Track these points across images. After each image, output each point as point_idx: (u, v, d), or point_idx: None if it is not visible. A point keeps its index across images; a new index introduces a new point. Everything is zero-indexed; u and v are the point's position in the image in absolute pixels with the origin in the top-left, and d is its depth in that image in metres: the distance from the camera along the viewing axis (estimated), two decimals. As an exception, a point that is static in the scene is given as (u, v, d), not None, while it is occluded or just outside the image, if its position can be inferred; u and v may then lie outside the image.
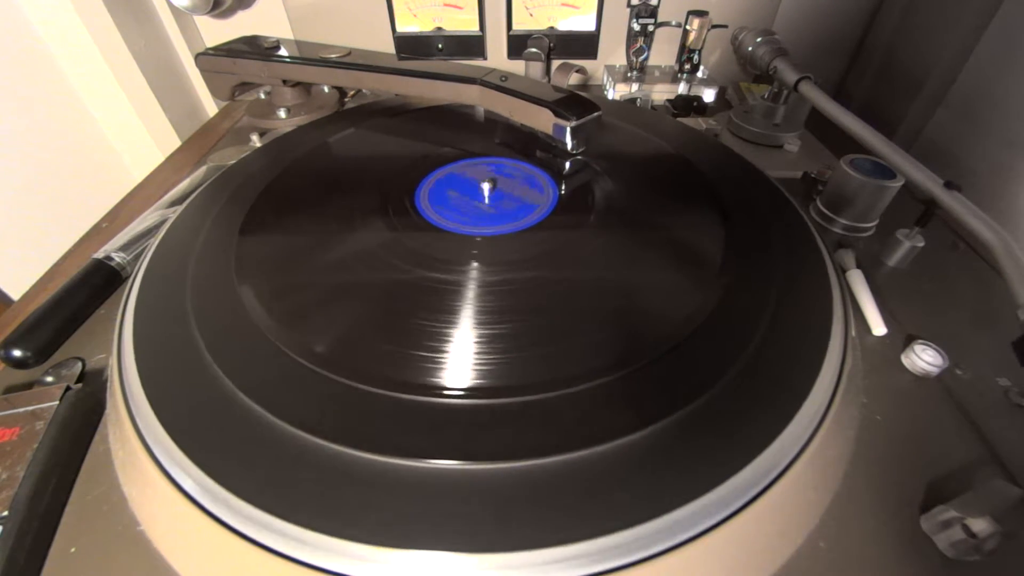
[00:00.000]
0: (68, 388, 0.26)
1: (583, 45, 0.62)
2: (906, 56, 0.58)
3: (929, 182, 0.34)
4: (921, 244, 0.35)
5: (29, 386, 0.28)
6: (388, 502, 0.20)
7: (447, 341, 0.26)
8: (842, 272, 0.33)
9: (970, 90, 0.50)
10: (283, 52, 0.53)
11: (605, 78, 0.63)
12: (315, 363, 0.25)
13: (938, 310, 0.33)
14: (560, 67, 0.59)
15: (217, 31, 0.63)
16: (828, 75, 0.68)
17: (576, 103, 0.40)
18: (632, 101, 0.56)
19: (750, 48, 0.51)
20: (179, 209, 0.37)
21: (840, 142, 0.45)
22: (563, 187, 0.39)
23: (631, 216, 0.36)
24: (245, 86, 0.57)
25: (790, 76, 0.46)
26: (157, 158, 0.56)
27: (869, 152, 0.38)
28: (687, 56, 0.58)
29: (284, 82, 0.54)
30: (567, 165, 0.41)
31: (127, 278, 0.34)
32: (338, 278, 0.31)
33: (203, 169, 0.45)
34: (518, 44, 0.61)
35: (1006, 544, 0.20)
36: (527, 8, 0.59)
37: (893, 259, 0.36)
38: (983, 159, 0.48)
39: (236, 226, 0.34)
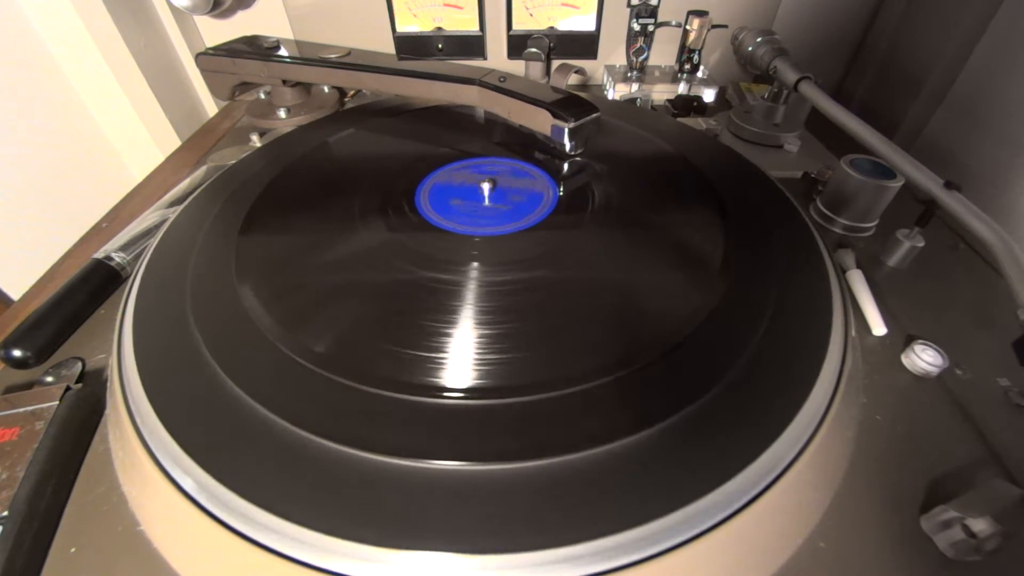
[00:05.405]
0: (68, 388, 0.26)
1: (583, 45, 0.62)
2: (906, 56, 0.58)
3: (929, 182, 0.34)
4: (921, 244, 0.35)
5: (29, 386, 0.28)
6: (388, 502, 0.20)
7: (447, 341, 0.26)
8: (842, 272, 0.33)
9: (970, 90, 0.50)
10: (283, 52, 0.53)
11: (605, 78, 0.63)
12: (315, 363, 0.25)
13: (938, 310, 0.33)
14: (559, 68, 0.59)
15: (217, 31, 0.63)
16: (828, 75, 0.68)
17: (575, 104, 0.40)
18: (632, 101, 0.56)
19: (750, 48, 0.51)
20: (179, 209, 0.37)
21: (840, 142, 0.45)
22: (563, 187, 0.39)
23: (631, 216, 0.36)
24: (245, 86, 0.57)
25: (790, 76, 0.46)
26: (157, 158, 0.56)
27: (869, 152, 0.38)
28: (687, 56, 0.58)
29: (284, 82, 0.54)
30: (567, 165, 0.41)
31: (127, 278, 0.34)
32: (338, 278, 0.31)
33: (203, 169, 0.45)
34: (518, 44, 0.61)
35: (1006, 544, 0.20)
36: (527, 8, 0.59)
37: (893, 259, 0.36)
38: (983, 159, 0.48)
39: (236, 226, 0.34)
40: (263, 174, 0.40)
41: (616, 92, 0.59)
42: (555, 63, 0.61)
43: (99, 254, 0.34)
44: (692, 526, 0.19)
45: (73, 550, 0.21)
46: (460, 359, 0.25)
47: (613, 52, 0.63)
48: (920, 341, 0.29)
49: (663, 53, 0.63)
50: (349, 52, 0.51)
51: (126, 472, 0.24)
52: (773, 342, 0.26)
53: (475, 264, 0.31)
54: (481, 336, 0.26)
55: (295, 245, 0.34)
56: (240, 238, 0.33)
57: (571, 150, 0.41)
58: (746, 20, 0.58)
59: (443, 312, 0.28)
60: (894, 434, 0.26)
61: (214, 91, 0.58)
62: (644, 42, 0.58)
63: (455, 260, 0.31)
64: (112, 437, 0.25)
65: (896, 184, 0.36)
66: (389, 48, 0.62)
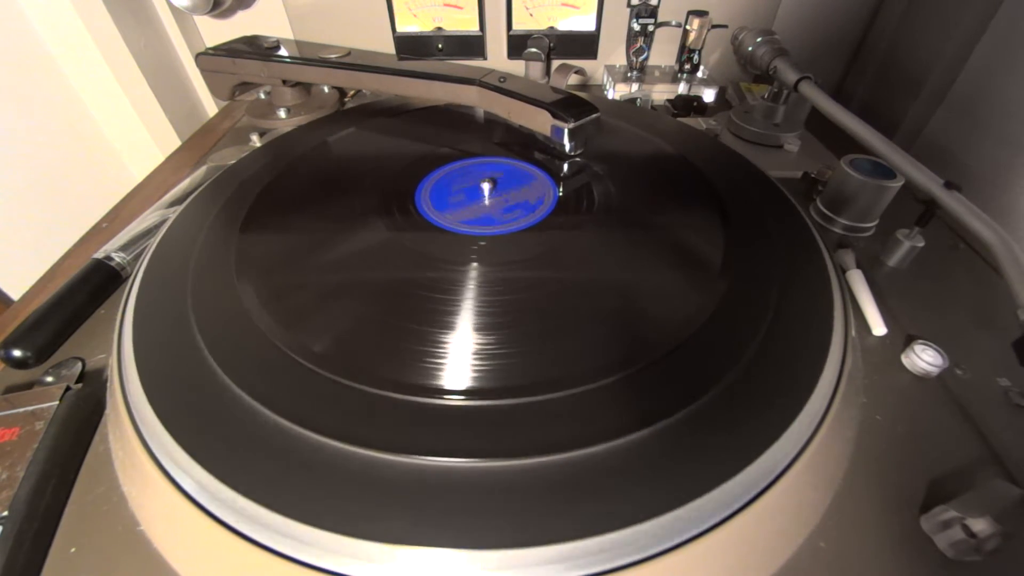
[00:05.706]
0: (68, 388, 0.26)
1: (583, 45, 0.62)
2: (906, 56, 0.58)
3: (929, 182, 0.34)
4: (921, 244, 0.35)
5: (29, 386, 0.28)
6: (388, 501, 0.20)
7: (447, 341, 0.26)
8: (842, 272, 0.33)
9: (970, 90, 0.50)
10: (283, 52, 0.53)
11: (605, 78, 0.63)
12: (315, 363, 0.25)
13: (938, 310, 0.33)
14: (559, 68, 0.59)
15: (217, 31, 0.63)
16: (828, 75, 0.68)
17: (574, 104, 0.40)
18: (632, 101, 0.56)
19: (750, 48, 0.51)
20: (179, 209, 0.37)
21: (840, 142, 0.45)
22: (562, 187, 0.39)
23: (631, 217, 0.36)
24: (245, 86, 0.57)
25: (790, 76, 0.46)
26: (157, 158, 0.56)
27: (869, 152, 0.38)
28: (687, 56, 0.58)
29: (284, 82, 0.54)
30: (567, 166, 0.41)
31: (127, 278, 0.34)
32: (338, 278, 0.31)
33: (203, 169, 0.45)
34: (518, 44, 0.61)
35: (1006, 544, 0.20)
36: (527, 8, 0.59)
37: (893, 259, 0.36)
38: (983, 159, 0.48)
39: (236, 226, 0.34)
40: (263, 174, 0.40)
41: (616, 92, 0.59)
42: (555, 63, 0.61)
43: (99, 254, 0.34)
44: (692, 526, 0.19)
45: (73, 550, 0.21)
46: (459, 359, 0.25)
47: (613, 52, 0.63)
48: (920, 341, 0.29)
49: (663, 53, 0.63)
50: (349, 52, 0.51)
51: (126, 472, 0.24)
52: (773, 342, 0.26)
53: (475, 264, 0.31)
54: (480, 336, 0.26)
55: (295, 245, 0.34)
56: (240, 238, 0.33)
57: (571, 150, 0.41)
58: (746, 20, 0.58)
59: (443, 312, 0.28)
60: (894, 434, 0.26)
61: (214, 91, 0.58)
62: (644, 42, 0.58)
63: (455, 260, 0.31)
64: (112, 437, 0.25)
65: (896, 184, 0.36)
66: (389, 48, 0.62)
